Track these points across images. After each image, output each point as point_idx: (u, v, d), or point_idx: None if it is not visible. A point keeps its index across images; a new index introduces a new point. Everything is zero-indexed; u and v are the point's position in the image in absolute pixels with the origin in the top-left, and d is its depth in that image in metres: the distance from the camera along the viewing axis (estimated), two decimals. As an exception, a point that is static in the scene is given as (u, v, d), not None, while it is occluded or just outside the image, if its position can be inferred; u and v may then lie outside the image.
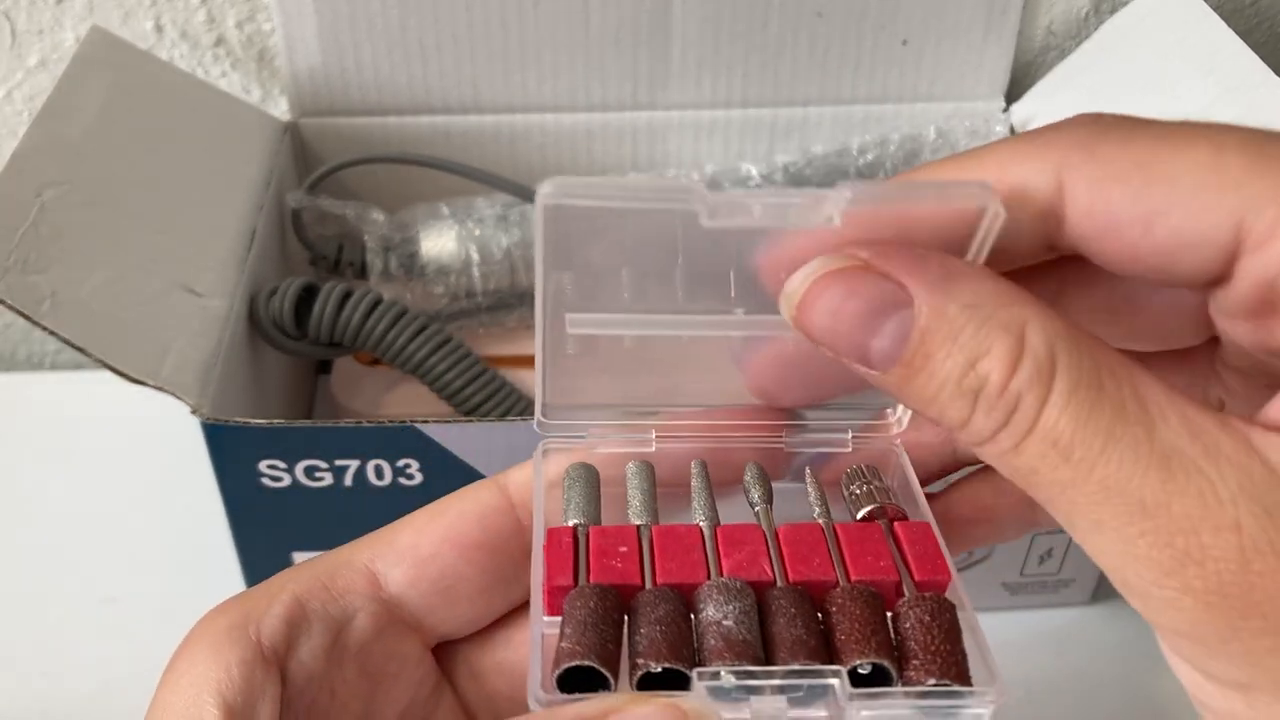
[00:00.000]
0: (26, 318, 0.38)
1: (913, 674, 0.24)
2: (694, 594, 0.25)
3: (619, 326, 0.28)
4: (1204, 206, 0.23)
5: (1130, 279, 0.26)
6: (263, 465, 0.42)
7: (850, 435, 0.30)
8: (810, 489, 0.29)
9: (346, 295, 0.48)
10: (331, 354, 0.52)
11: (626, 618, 0.25)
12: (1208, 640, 0.22)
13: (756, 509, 0.28)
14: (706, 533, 0.27)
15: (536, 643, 0.25)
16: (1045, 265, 0.27)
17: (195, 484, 0.47)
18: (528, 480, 0.29)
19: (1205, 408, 0.23)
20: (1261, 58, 0.44)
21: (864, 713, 0.24)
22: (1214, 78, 0.46)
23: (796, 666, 0.24)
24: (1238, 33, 0.46)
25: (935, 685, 0.24)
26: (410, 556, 0.28)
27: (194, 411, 0.40)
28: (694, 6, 0.55)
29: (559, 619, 0.25)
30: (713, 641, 0.24)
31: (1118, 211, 0.24)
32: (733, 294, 0.27)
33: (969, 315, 0.23)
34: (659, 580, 0.26)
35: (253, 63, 0.58)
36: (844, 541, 0.27)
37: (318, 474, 0.42)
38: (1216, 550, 0.21)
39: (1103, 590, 0.52)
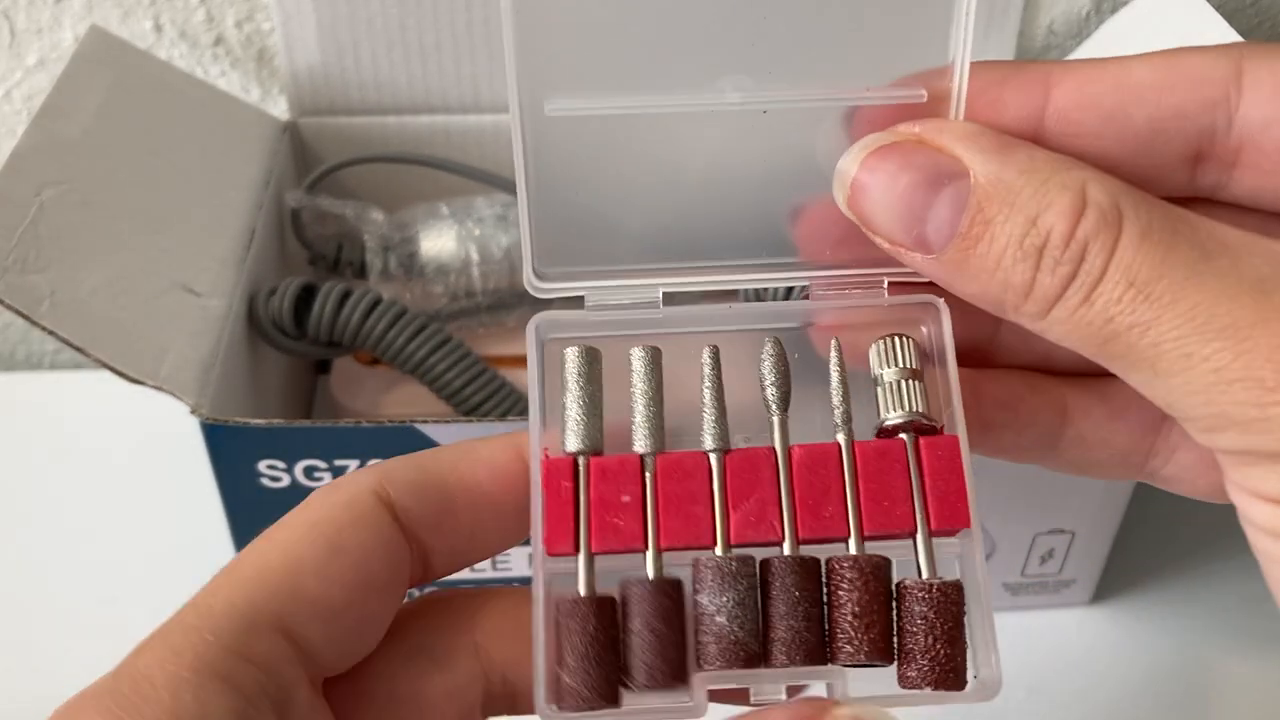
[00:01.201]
0: (25, 318, 0.38)
1: (911, 674, 0.24)
2: (694, 565, 0.25)
3: (601, 107, 0.26)
4: None
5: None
6: (262, 465, 0.42)
7: (886, 285, 0.28)
8: (833, 374, 0.26)
9: (346, 295, 0.48)
10: (331, 354, 0.52)
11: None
12: None
13: (772, 418, 0.26)
14: (715, 470, 0.26)
15: (539, 625, 0.24)
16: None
17: (195, 484, 0.47)
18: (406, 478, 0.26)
19: None
20: (1263, 57, 0.44)
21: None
22: (1215, 77, 0.46)
23: (794, 669, 0.24)
24: (1239, 32, 0.46)
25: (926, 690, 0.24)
26: (324, 612, 0.24)
27: (193, 411, 0.40)
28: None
29: (565, 558, 0.25)
30: (707, 639, 0.24)
31: None
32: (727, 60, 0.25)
33: (1026, 179, 0.23)
34: (663, 543, 0.25)
35: (252, 62, 0.58)
36: (861, 476, 0.25)
37: (317, 474, 0.42)
38: None
39: (1103, 590, 0.51)
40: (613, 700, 0.24)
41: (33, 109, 0.58)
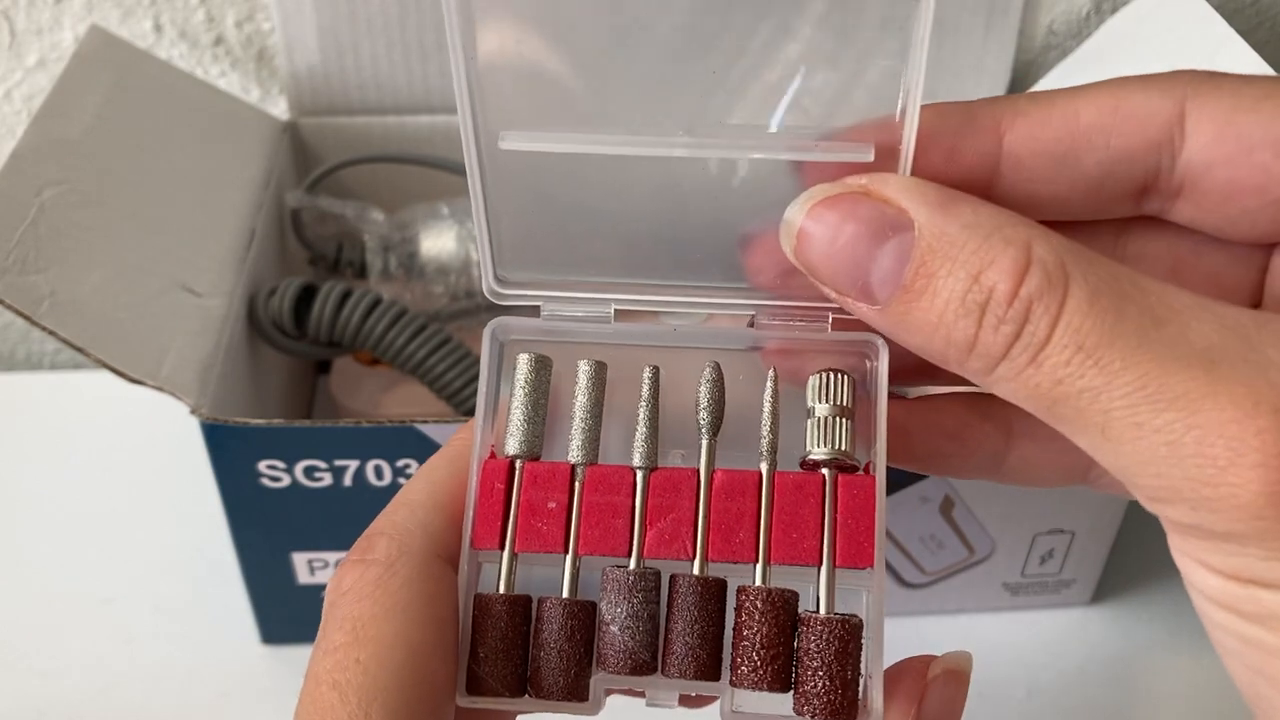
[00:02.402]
0: (25, 317, 0.38)
1: (801, 700, 0.25)
2: (602, 574, 0.26)
3: (555, 142, 0.26)
4: None
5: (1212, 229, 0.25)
6: (262, 465, 0.42)
7: (830, 320, 0.28)
8: (765, 405, 0.27)
9: (346, 295, 0.48)
10: (331, 354, 0.52)
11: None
12: (1265, 536, 0.21)
13: (701, 441, 0.27)
14: (639, 486, 0.27)
15: (468, 594, 0.26)
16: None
17: (194, 484, 0.47)
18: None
19: (1239, 306, 0.22)
20: (1263, 57, 0.44)
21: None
22: (1215, 77, 0.46)
23: (685, 681, 0.25)
24: (1239, 32, 0.46)
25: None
26: (451, 687, 0.26)
27: (193, 411, 0.40)
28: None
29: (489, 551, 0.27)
30: (602, 646, 0.26)
31: (1250, 136, 0.24)
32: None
33: (970, 233, 0.23)
34: (581, 550, 0.26)
35: (252, 62, 0.58)
36: (777, 505, 0.26)
37: (317, 474, 0.42)
38: (1277, 435, 0.20)
39: (1103, 590, 0.51)
40: (518, 691, 0.26)
41: (33, 109, 0.58)
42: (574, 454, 0.27)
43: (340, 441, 0.41)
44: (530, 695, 0.26)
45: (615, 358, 0.28)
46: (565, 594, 0.26)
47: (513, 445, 0.27)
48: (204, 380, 0.41)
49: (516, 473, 0.27)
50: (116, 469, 0.57)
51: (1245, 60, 0.45)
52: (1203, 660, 0.49)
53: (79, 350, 0.38)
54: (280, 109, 0.58)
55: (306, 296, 0.48)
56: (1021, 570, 0.49)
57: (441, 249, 0.53)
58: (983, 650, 0.53)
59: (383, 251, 0.53)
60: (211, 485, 0.42)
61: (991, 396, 0.29)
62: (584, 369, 0.28)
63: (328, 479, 0.42)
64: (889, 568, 0.49)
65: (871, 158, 0.26)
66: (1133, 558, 0.52)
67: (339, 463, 0.42)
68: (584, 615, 0.26)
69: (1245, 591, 0.22)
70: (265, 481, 0.42)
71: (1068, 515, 0.48)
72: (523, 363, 0.28)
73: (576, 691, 0.26)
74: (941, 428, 0.28)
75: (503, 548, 0.27)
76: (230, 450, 0.41)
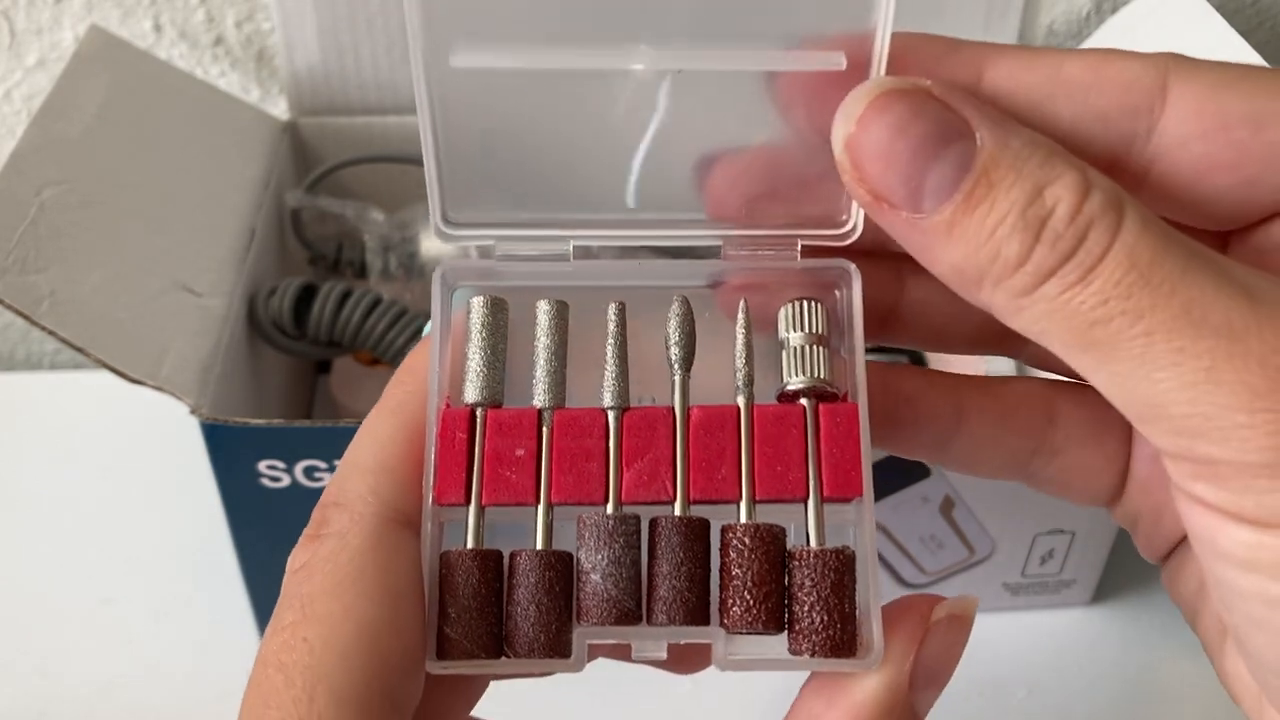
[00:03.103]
0: (25, 317, 0.38)
1: (798, 638, 0.24)
2: (578, 521, 0.25)
3: (510, 58, 0.24)
4: None
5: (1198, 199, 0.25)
6: (262, 465, 0.42)
7: (799, 247, 0.27)
8: (739, 335, 0.26)
9: (346, 295, 0.48)
10: (331, 354, 0.52)
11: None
12: None
13: (674, 378, 0.26)
14: (611, 428, 0.26)
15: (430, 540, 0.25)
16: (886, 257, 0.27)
17: (194, 484, 0.47)
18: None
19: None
20: (1263, 57, 0.44)
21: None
22: (1215, 77, 0.46)
23: (673, 628, 0.24)
24: (1239, 32, 0.46)
25: (811, 658, 0.24)
26: (409, 665, 0.24)
27: (193, 411, 0.40)
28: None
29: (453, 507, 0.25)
30: (584, 596, 0.24)
31: (1229, 110, 0.24)
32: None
33: (1033, 149, 0.23)
34: (554, 499, 0.25)
35: (252, 62, 0.58)
36: (758, 440, 0.25)
37: (317, 474, 0.42)
38: None
39: (1103, 590, 0.51)
40: (494, 652, 0.24)
41: (33, 109, 0.58)
42: (539, 398, 0.26)
43: (340, 441, 0.41)
44: (508, 656, 0.24)
45: (576, 300, 0.27)
46: (539, 545, 0.25)
47: (472, 392, 0.26)
48: (204, 380, 0.41)
49: (478, 421, 0.26)
50: (116, 469, 0.57)
51: (1245, 60, 0.45)
52: (1202, 660, 0.49)
53: (79, 350, 0.38)
54: (280, 109, 0.58)
55: (306, 296, 0.48)
56: (1021, 570, 0.49)
57: (441, 249, 0.53)
58: (983, 650, 0.53)
59: (383, 251, 0.53)
60: (211, 485, 0.42)
61: (945, 374, 0.28)
62: (544, 309, 0.26)
63: (328, 479, 0.42)
64: (889, 567, 0.49)
65: (844, 65, 0.25)
66: (1133, 558, 0.52)
67: (339, 463, 0.42)
68: (562, 566, 0.25)
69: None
70: (265, 481, 0.42)
71: (1068, 515, 0.48)
72: (477, 305, 0.26)
73: (558, 647, 0.24)
74: (898, 390, 0.28)
75: (469, 501, 0.25)
76: (230, 450, 0.41)
